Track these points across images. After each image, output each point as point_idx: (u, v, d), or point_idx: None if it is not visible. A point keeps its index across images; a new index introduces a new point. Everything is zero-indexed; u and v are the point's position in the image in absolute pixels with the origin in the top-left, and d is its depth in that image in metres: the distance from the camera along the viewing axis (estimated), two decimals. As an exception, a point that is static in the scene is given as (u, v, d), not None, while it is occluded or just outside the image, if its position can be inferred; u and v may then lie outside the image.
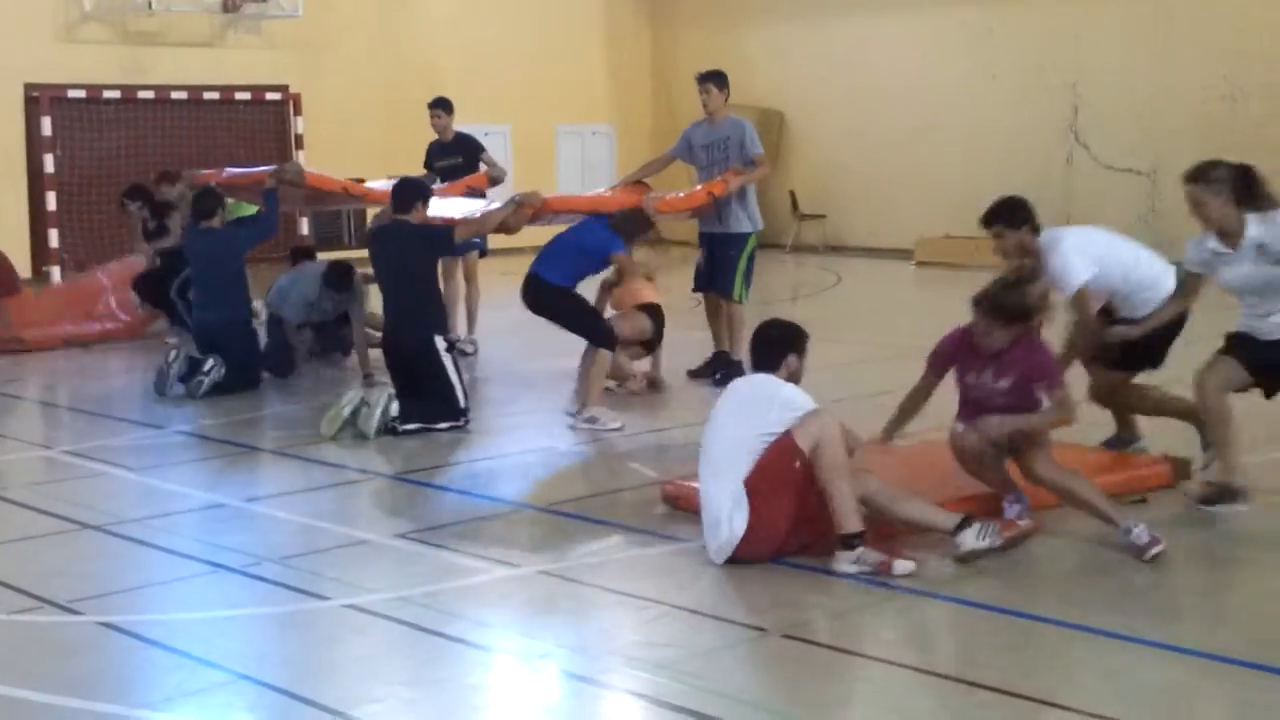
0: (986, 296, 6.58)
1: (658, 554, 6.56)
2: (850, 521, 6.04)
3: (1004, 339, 6.55)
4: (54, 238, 20.36)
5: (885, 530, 6.33)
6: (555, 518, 7.33)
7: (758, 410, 6.32)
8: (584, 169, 26.13)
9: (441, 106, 13.92)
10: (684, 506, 7.11)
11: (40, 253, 20.17)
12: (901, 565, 5.97)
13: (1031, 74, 21.31)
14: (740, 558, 6.19)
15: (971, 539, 6.11)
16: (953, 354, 6.82)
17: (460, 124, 25.03)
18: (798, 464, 6.16)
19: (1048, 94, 21.16)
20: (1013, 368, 6.55)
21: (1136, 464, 7.68)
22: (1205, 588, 6.03)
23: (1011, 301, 6.57)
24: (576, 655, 5.31)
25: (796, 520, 6.21)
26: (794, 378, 6.51)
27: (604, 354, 9.54)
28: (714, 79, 11.11)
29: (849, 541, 6.03)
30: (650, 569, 6.36)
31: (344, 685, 5.03)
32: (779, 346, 6.54)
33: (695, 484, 7.08)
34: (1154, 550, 6.10)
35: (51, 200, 20.39)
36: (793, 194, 24.24)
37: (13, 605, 5.93)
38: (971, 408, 6.71)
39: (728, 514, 6.20)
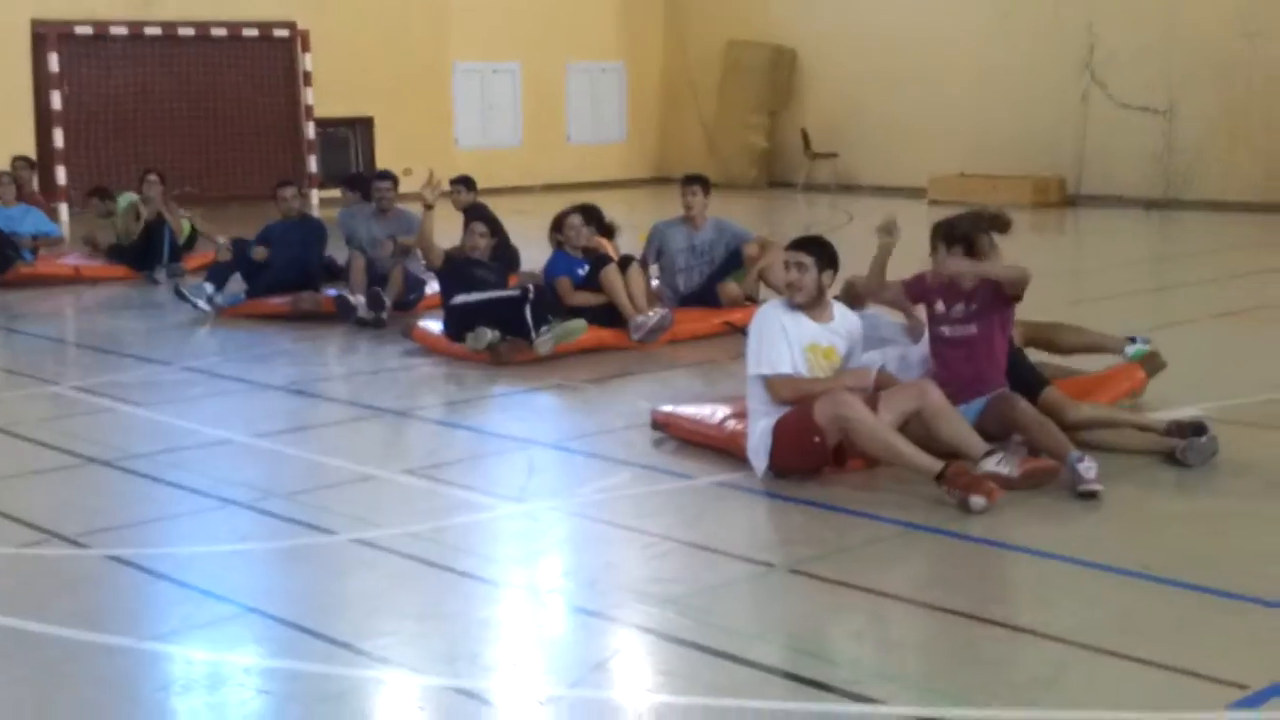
0: (940, 223, 6.90)
1: (666, 490, 6.55)
2: (928, 468, 6.13)
3: (963, 266, 6.72)
4: (61, 175, 20.33)
5: (868, 460, 6.50)
6: (564, 453, 7.32)
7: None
8: (594, 107, 25.97)
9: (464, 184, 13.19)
10: (674, 433, 7.27)
11: (48, 190, 20.09)
12: (976, 501, 5.94)
13: (1046, 10, 21.07)
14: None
15: (991, 464, 6.19)
16: (926, 280, 6.92)
17: (468, 61, 24.82)
18: (817, 439, 6.35)
19: (1063, 31, 20.93)
20: (979, 292, 6.73)
21: (1115, 377, 7.67)
22: (1218, 527, 5.99)
23: (959, 224, 6.81)
24: (584, 590, 5.31)
25: (820, 462, 6.49)
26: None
27: (630, 270, 10.09)
28: (702, 182, 11.00)
29: (938, 479, 6.10)
30: (658, 504, 6.35)
31: (352, 619, 5.02)
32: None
33: (683, 410, 7.18)
34: (1092, 487, 6.14)
35: (59, 137, 20.34)
36: (805, 132, 24.07)
37: (20, 538, 5.93)
38: (945, 354, 6.84)
39: (755, 449, 6.55)
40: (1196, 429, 6.68)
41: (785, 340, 6.53)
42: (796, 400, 6.43)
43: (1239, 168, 19.39)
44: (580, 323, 9.60)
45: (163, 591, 5.34)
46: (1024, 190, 20.45)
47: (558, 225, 10.48)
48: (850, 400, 6.29)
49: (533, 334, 9.40)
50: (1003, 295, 6.74)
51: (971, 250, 6.77)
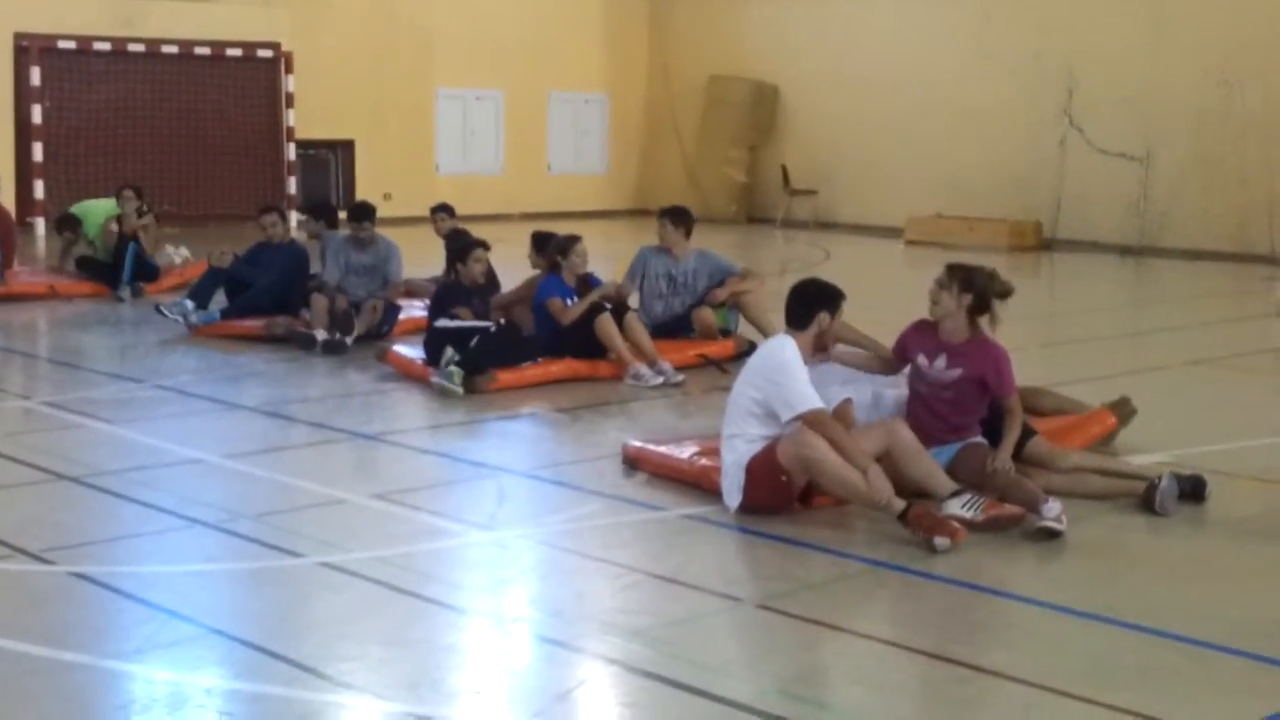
0: (959, 265, 6.85)
1: (635, 521, 6.55)
2: (892, 508, 6.13)
3: (950, 307, 6.72)
4: (39, 189, 20.28)
5: (821, 499, 6.54)
6: (534, 482, 7.31)
7: (759, 372, 6.53)
8: (576, 137, 26.04)
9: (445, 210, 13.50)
10: (644, 467, 7.28)
11: (25, 204, 20.04)
12: (940, 542, 5.97)
13: (1026, 56, 21.25)
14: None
15: (956, 506, 6.22)
16: (912, 335, 6.93)
17: (452, 88, 25.05)
18: (784, 479, 6.37)
19: (1042, 76, 21.10)
20: (964, 361, 6.71)
21: (1087, 422, 7.74)
22: (1185, 573, 6.02)
23: (977, 277, 6.74)
24: (551, 620, 5.30)
25: (788, 500, 6.50)
26: (825, 337, 6.63)
27: (627, 320, 9.94)
28: (673, 215, 11.04)
29: (900, 519, 6.11)
30: (628, 536, 6.35)
31: (317, 642, 5.00)
32: (813, 304, 6.62)
33: (654, 446, 7.27)
34: (1053, 524, 6.18)
35: (38, 151, 20.29)
36: (784, 169, 24.18)
37: (-15, 553, 5.89)
38: (918, 405, 6.84)
39: (729, 487, 6.52)
40: (1196, 485, 6.71)
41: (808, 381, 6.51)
42: (832, 442, 6.27)
43: (1213, 217, 19.55)
44: (487, 377, 9.39)
45: (126, 610, 5.30)
46: (1001, 233, 20.57)
47: (561, 250, 10.20)
48: (813, 441, 6.26)
49: (444, 363, 9.38)
50: (989, 391, 6.75)
51: (982, 306, 6.75)
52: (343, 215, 12.57)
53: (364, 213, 11.81)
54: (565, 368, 9.79)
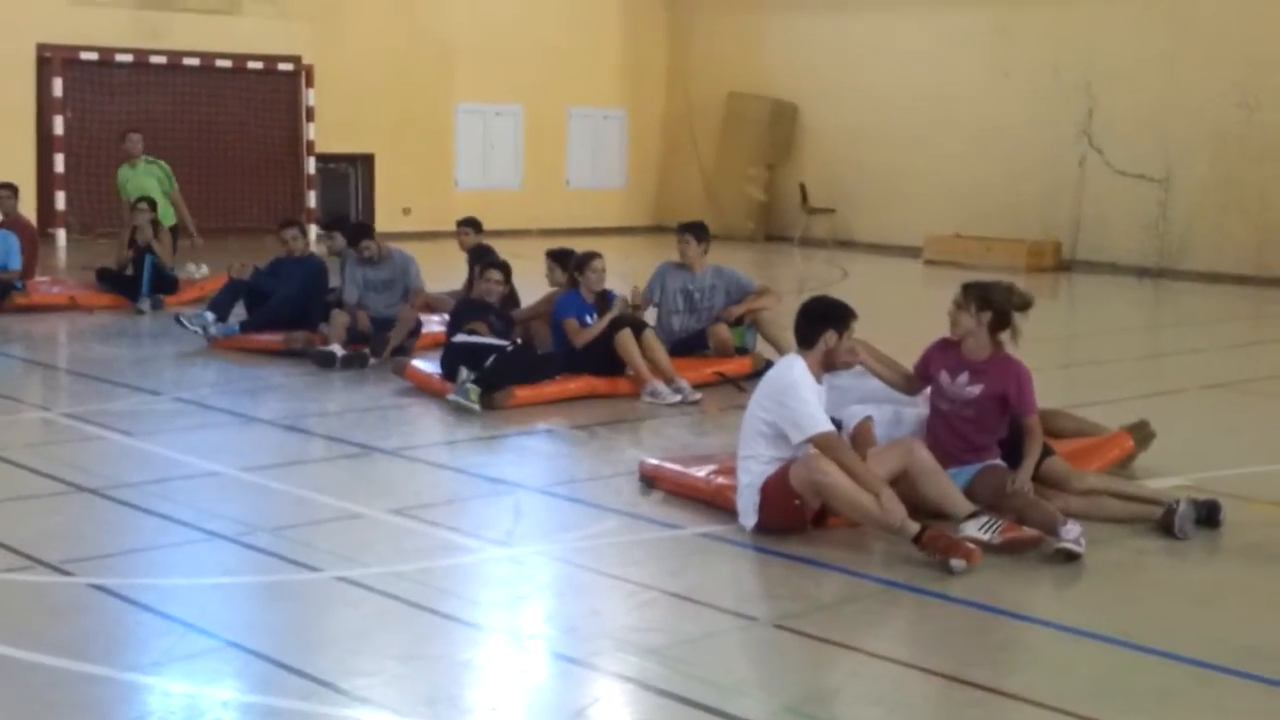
0: (974, 283, 6.83)
1: (651, 539, 6.56)
2: (905, 531, 6.12)
3: (970, 326, 6.69)
4: (61, 200, 20.37)
5: (836, 520, 6.51)
6: (551, 499, 7.33)
7: (768, 394, 6.52)
8: (594, 153, 26.08)
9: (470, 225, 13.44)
10: (660, 485, 7.30)
11: (47, 215, 20.14)
12: (956, 564, 5.97)
13: (1046, 77, 21.23)
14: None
15: (973, 528, 6.21)
16: (934, 354, 6.90)
17: (471, 103, 25.08)
18: (797, 502, 6.37)
19: (1061, 98, 21.08)
20: (985, 378, 6.69)
21: (1105, 445, 7.75)
22: (1201, 597, 6.01)
23: (993, 293, 6.70)
24: (566, 636, 5.31)
25: (802, 523, 6.50)
26: (833, 355, 6.55)
27: (645, 337, 9.94)
28: (694, 230, 11.03)
29: (915, 542, 6.10)
30: (644, 554, 6.36)
31: (333, 657, 5.02)
32: (818, 322, 6.58)
33: (670, 464, 7.35)
34: (1071, 546, 6.17)
35: (60, 162, 20.37)
36: (803, 187, 24.18)
37: (4, 564, 5.92)
38: (938, 423, 6.82)
39: (744, 507, 6.53)
40: (1211, 511, 6.71)
41: (819, 403, 6.48)
42: (842, 466, 6.26)
43: (1233, 240, 19.50)
44: (505, 394, 9.40)
45: (145, 622, 5.33)
46: (1019, 253, 20.55)
47: (579, 266, 10.23)
48: (824, 467, 6.25)
49: (466, 377, 9.38)
50: (1010, 410, 6.73)
51: (1003, 322, 6.71)
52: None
53: (361, 233, 11.83)
54: (583, 384, 9.81)
